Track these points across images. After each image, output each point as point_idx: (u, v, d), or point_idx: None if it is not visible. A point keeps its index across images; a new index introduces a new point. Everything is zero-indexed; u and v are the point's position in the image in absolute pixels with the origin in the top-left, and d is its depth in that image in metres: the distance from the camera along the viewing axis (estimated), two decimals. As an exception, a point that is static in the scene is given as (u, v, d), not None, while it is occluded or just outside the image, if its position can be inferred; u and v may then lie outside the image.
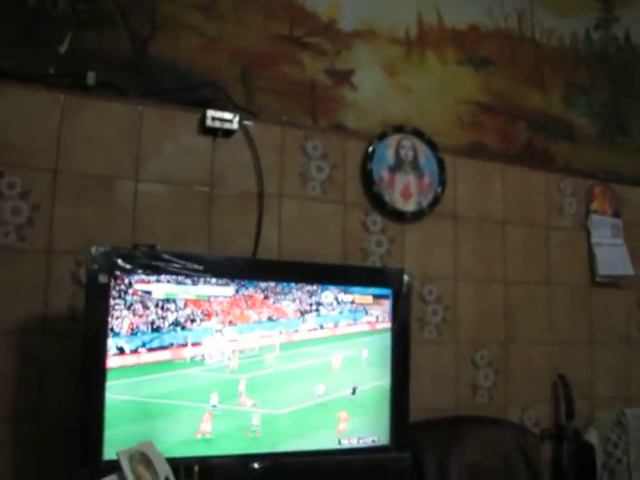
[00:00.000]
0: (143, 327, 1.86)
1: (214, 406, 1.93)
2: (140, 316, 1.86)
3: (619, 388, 3.13)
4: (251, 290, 2.02)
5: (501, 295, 2.86)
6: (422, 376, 2.48)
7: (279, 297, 2.06)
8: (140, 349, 1.85)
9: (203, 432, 1.92)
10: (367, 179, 2.60)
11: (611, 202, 3.22)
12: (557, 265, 3.03)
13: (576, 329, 3.05)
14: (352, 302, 2.16)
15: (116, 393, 1.80)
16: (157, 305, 1.88)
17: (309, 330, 2.11)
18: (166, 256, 1.90)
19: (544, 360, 2.94)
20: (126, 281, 1.84)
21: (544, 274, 3.00)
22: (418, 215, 2.68)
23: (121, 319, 1.83)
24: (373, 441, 2.14)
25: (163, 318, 1.89)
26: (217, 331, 1.97)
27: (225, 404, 1.95)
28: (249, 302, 2.02)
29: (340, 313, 2.15)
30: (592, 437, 2.89)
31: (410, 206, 2.67)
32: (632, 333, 3.20)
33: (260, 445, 1.99)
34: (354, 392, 2.14)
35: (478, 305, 2.81)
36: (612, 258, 3.15)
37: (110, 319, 1.81)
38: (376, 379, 2.17)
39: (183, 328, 1.92)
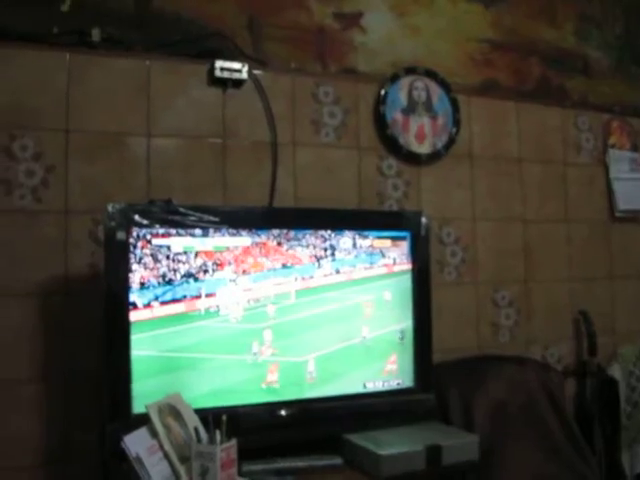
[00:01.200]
0: (155, 281, 1.87)
1: (256, 355, 1.98)
2: (152, 269, 1.86)
3: (641, 321, 3.12)
4: (264, 238, 2.02)
5: (520, 234, 2.85)
6: (443, 317, 2.48)
7: (293, 243, 2.06)
8: (153, 303, 1.86)
9: (269, 382, 1.98)
10: (380, 123, 2.57)
11: (629, 136, 3.17)
12: (575, 202, 3.00)
13: (596, 265, 3.04)
14: (370, 246, 2.16)
15: (139, 349, 1.83)
16: (172, 259, 1.89)
17: (325, 275, 2.11)
18: (182, 210, 1.90)
19: (565, 297, 2.94)
20: (144, 236, 1.85)
21: (562, 211, 2.97)
22: (433, 157, 2.66)
23: (138, 274, 1.84)
24: (398, 384, 2.16)
25: (175, 270, 1.90)
26: (231, 281, 1.97)
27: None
28: (262, 250, 2.02)
29: (356, 257, 2.15)
30: (615, 372, 2.91)
31: (425, 148, 2.64)
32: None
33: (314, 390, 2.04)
34: (402, 337, 2.18)
35: (497, 245, 2.79)
36: (631, 193, 3.11)
37: (130, 275, 1.82)
38: (398, 322, 2.18)
39: (196, 280, 1.93)
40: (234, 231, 1.97)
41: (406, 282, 2.20)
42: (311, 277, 2.09)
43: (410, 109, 2.63)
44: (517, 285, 2.83)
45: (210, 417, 1.72)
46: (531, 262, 2.87)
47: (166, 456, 1.69)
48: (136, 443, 1.65)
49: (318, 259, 2.10)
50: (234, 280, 1.97)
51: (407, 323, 2.19)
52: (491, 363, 2.59)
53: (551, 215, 2.94)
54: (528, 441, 2.45)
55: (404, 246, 2.20)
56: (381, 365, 2.16)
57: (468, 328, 2.72)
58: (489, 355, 2.68)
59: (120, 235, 1.81)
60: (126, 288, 1.81)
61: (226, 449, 1.69)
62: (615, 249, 3.09)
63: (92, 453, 1.99)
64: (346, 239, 2.12)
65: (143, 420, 1.70)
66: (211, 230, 1.93)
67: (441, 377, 2.38)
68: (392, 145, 2.59)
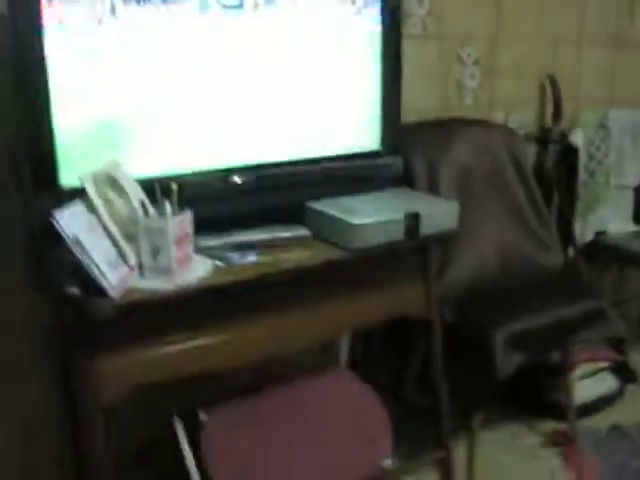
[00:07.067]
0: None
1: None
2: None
3: (604, 89, 3.03)
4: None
5: (492, -17, 2.59)
6: (406, 75, 2.22)
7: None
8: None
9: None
10: None
11: None
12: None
13: (566, 26, 2.84)
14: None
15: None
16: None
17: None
18: None
19: (531, 59, 2.76)
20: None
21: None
22: None
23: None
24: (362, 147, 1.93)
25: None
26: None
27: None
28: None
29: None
30: (577, 138, 2.84)
31: None
32: (622, 34, 3.01)
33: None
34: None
35: (467, -7, 2.54)
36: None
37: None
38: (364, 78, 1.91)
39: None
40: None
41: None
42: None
43: None
44: (484, 42, 2.61)
45: (157, 185, 1.45)
46: (501, 17, 2.64)
47: (109, 235, 1.43)
48: (71, 221, 1.36)
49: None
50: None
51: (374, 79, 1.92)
52: (458, 127, 2.42)
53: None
54: (493, 207, 2.37)
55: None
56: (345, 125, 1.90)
57: (431, 88, 2.52)
58: (456, 118, 2.52)
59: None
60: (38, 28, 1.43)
61: (179, 222, 1.46)
62: (587, 11, 2.87)
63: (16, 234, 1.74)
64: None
65: (77, 193, 1.42)
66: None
67: (405, 140, 2.16)
68: None
